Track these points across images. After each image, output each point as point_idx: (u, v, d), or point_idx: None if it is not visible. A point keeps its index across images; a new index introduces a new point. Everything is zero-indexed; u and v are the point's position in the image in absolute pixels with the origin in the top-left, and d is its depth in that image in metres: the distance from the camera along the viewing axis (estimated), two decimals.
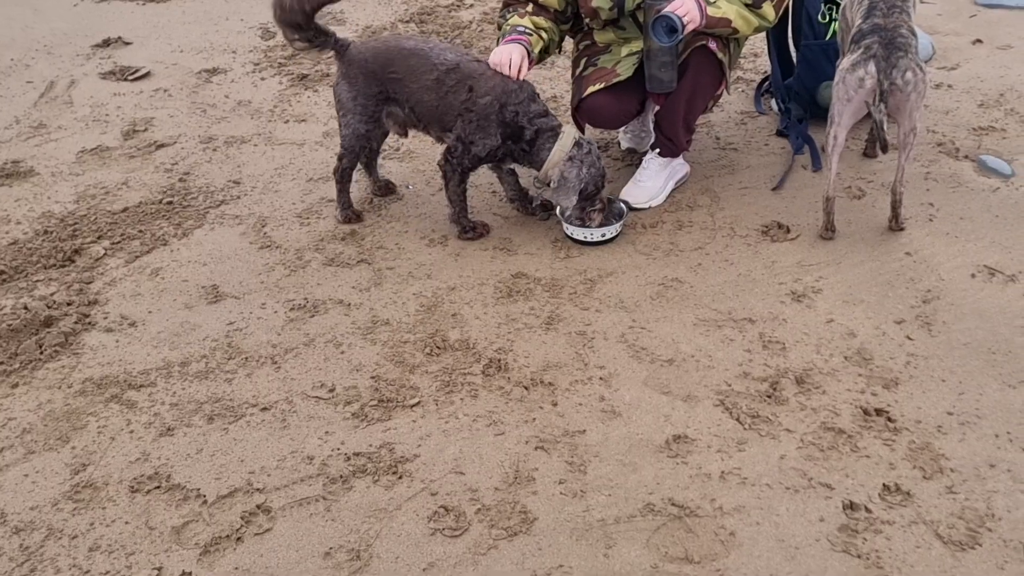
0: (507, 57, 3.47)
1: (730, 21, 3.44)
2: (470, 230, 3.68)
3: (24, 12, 6.20)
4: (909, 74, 3.24)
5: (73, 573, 2.37)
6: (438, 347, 3.11)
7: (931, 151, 4.08)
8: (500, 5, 3.80)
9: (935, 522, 2.41)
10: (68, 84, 5.14)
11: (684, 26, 3.31)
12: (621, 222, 3.64)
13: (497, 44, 3.63)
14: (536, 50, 3.62)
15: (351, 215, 3.83)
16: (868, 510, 2.45)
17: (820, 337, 3.09)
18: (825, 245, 3.53)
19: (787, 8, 4.13)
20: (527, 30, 3.59)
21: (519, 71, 3.48)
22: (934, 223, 3.60)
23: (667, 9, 3.31)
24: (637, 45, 3.66)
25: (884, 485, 2.52)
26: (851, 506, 2.46)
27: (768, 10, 3.50)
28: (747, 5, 3.46)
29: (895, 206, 3.53)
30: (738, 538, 2.40)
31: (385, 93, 3.58)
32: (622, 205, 3.72)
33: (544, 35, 3.66)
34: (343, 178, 3.76)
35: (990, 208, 3.66)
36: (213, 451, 2.74)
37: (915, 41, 3.34)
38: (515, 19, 3.64)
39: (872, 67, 3.25)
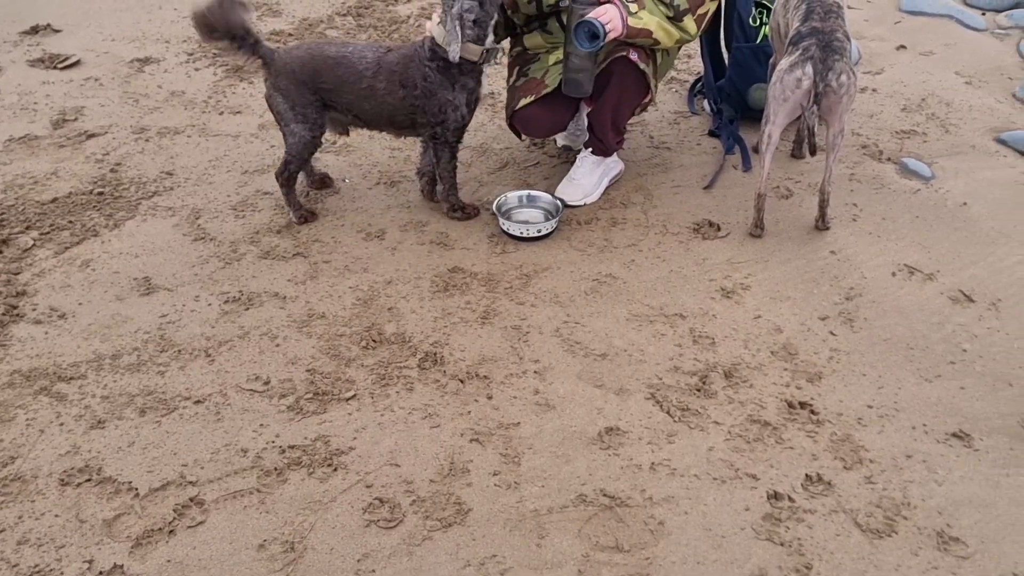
0: None
1: (651, 32, 3.50)
2: (459, 209, 3.73)
3: None
4: (844, 77, 3.35)
5: (1, 567, 2.34)
6: (374, 340, 3.13)
7: (856, 153, 4.21)
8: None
9: (854, 511, 2.51)
10: None
11: (606, 33, 3.36)
12: (556, 219, 3.69)
13: None
14: None
15: (304, 214, 3.79)
16: (791, 499, 2.54)
17: (748, 332, 3.17)
18: (754, 243, 3.63)
19: (719, 11, 4.23)
20: None
21: None
22: (858, 223, 3.72)
23: (590, 15, 3.37)
24: (560, 53, 3.70)
25: (807, 475, 2.61)
26: (775, 496, 2.55)
27: (689, 24, 3.56)
28: (669, 18, 3.52)
29: (822, 206, 3.64)
30: (667, 527, 2.46)
31: (321, 100, 3.55)
32: (558, 202, 3.77)
33: None
34: (289, 182, 3.71)
35: (911, 209, 3.80)
36: (145, 444, 2.71)
37: (849, 45, 3.45)
38: None
39: (809, 68, 3.35)
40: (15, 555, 2.38)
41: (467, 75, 3.52)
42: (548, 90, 3.70)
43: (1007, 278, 3.40)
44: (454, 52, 3.34)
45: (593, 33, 3.35)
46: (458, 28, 3.32)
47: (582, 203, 3.88)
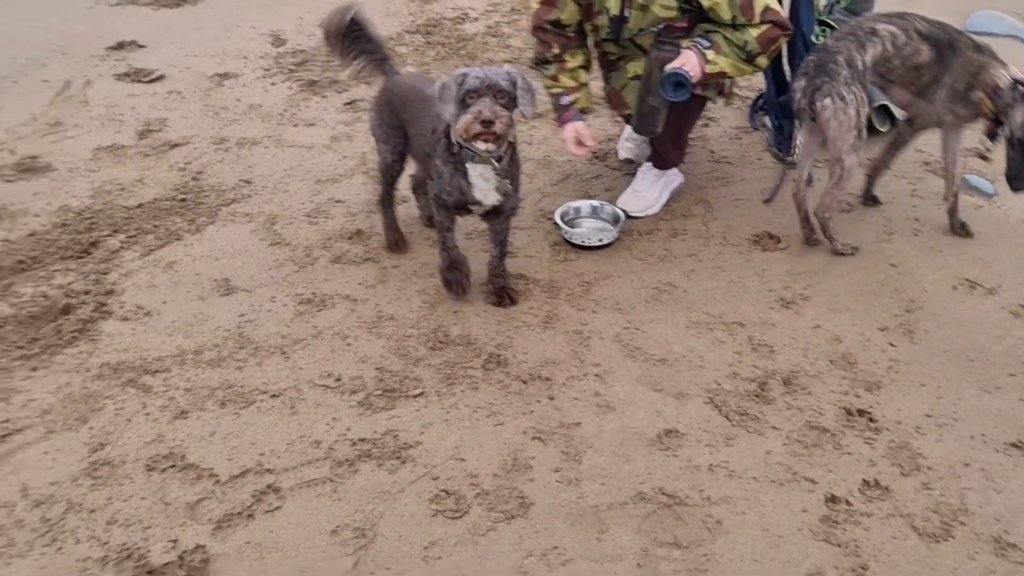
0: (573, 140, 3.78)
1: (725, 73, 3.55)
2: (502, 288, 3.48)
3: (39, 13, 6.33)
4: (827, 100, 3.36)
5: (92, 544, 2.49)
6: (440, 342, 3.24)
7: (918, 169, 4.23)
8: (531, 31, 3.87)
9: (911, 515, 2.55)
10: (83, 84, 5.27)
11: (691, 80, 3.43)
12: (618, 228, 3.78)
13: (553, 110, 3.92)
14: (584, 104, 3.87)
15: (393, 239, 3.78)
16: (848, 503, 2.59)
17: (807, 342, 3.22)
18: (813, 255, 3.68)
19: None
20: (570, 97, 3.79)
21: (587, 143, 3.78)
22: (919, 237, 3.75)
23: (674, 65, 3.42)
24: (637, 66, 3.75)
25: (864, 480, 2.66)
26: (832, 499, 2.60)
27: (761, 61, 3.57)
28: (742, 59, 3.52)
29: (822, 230, 3.67)
30: (724, 526, 2.53)
31: (403, 129, 3.54)
32: (620, 212, 3.86)
33: (584, 72, 3.88)
34: (381, 202, 3.75)
35: (973, 225, 3.81)
36: (225, 434, 2.86)
37: (846, 71, 3.37)
38: (551, 83, 3.82)
39: (802, 83, 3.42)
40: (105, 534, 2.52)
41: (458, 154, 3.20)
42: (627, 112, 3.84)
43: None
44: (447, 112, 3.08)
45: (679, 82, 3.41)
46: (449, 92, 3.04)
47: (644, 214, 3.97)
